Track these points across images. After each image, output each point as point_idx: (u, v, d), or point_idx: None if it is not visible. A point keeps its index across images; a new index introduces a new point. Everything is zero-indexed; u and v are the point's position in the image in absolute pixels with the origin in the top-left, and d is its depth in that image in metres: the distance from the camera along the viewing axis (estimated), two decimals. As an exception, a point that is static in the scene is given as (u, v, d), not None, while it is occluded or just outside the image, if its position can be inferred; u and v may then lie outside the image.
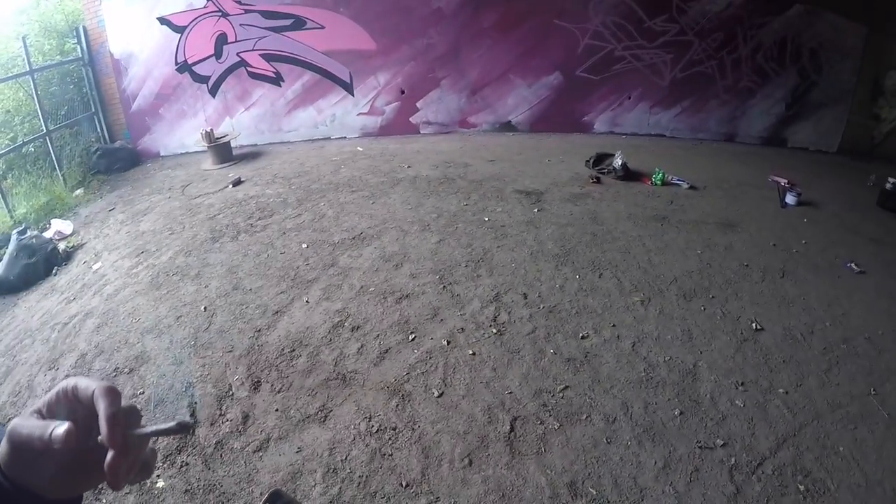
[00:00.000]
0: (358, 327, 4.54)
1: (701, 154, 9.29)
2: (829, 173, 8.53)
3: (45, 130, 8.81)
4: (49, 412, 0.75)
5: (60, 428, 0.69)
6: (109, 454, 0.72)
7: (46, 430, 0.70)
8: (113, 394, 0.74)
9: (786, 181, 7.47)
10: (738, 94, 10.19)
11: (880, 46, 9.73)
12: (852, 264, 5.50)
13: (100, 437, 0.71)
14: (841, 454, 3.29)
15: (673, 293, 4.92)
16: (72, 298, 5.49)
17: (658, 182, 7.58)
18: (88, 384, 0.74)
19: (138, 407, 0.80)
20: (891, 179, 7.35)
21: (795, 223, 6.48)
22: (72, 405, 0.75)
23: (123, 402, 0.75)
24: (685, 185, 7.55)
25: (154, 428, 0.75)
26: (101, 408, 0.72)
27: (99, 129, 10.29)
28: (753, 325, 4.48)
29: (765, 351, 4.19)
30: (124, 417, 0.74)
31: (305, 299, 4.97)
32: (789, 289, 5.06)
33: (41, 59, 9.60)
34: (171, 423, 0.74)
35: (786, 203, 7.06)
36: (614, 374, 3.93)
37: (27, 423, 0.72)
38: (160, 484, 3.22)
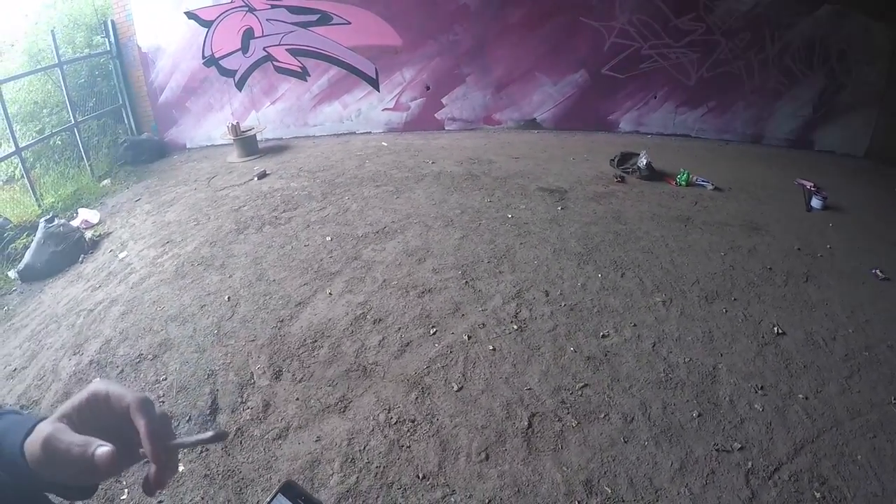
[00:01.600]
0: (380, 320, 4.57)
1: (726, 155, 9.23)
2: (857, 178, 8.43)
3: (73, 122, 8.96)
4: (79, 418, 0.76)
5: (104, 449, 0.71)
6: (153, 468, 0.75)
7: (88, 449, 0.71)
8: (149, 407, 0.76)
9: (812, 185, 7.41)
10: (764, 96, 10.09)
11: (912, 48, 9.60)
12: (877, 271, 5.45)
13: (141, 451, 0.75)
14: (859, 462, 3.27)
15: (695, 294, 4.91)
16: (97, 286, 5.58)
17: (682, 182, 7.55)
18: (122, 394, 0.76)
19: (168, 413, 0.87)
20: (919, 186, 7.29)
21: (821, 227, 6.42)
22: (102, 412, 0.76)
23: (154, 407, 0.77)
24: (710, 187, 7.50)
25: (192, 439, 0.79)
26: (142, 425, 0.74)
27: (126, 121, 10.46)
28: (775, 329, 4.46)
29: (786, 356, 4.17)
30: (161, 429, 0.76)
31: (328, 291, 5.01)
32: (812, 294, 5.03)
33: (70, 52, 9.75)
34: (209, 434, 0.78)
35: (811, 207, 7.00)
36: (634, 373, 3.94)
37: (65, 438, 0.73)
38: (180, 468, 3.27)
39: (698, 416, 3.58)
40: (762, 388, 3.84)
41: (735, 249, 5.76)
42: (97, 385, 0.76)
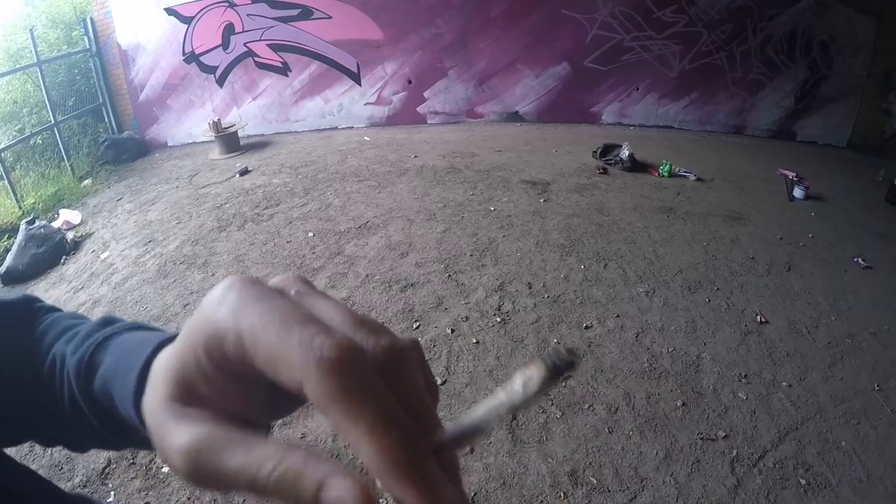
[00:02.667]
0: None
1: (709, 146, 9.26)
2: (838, 168, 8.48)
3: (52, 121, 8.82)
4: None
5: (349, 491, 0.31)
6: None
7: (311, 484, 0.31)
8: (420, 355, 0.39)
9: (794, 175, 7.43)
10: (747, 87, 10.13)
11: (892, 40, 9.65)
12: (859, 259, 5.48)
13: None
14: (843, 449, 3.29)
15: (678, 284, 4.91)
16: (80, 287, 5.52)
17: (665, 174, 7.56)
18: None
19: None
20: (901, 175, 7.33)
21: (803, 217, 6.45)
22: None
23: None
24: (692, 177, 7.52)
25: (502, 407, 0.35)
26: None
27: (107, 120, 10.33)
28: (758, 317, 4.47)
29: (769, 344, 4.18)
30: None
31: (310, 286, 4.97)
32: (795, 282, 5.05)
33: (48, 50, 9.62)
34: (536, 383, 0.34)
35: (793, 197, 7.03)
36: (617, 364, 3.93)
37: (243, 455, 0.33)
38: (166, 469, 3.23)
39: (682, 405, 3.58)
40: (746, 376, 3.84)
41: (717, 239, 5.77)
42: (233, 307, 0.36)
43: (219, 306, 0.36)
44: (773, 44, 9.92)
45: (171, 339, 0.51)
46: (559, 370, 0.34)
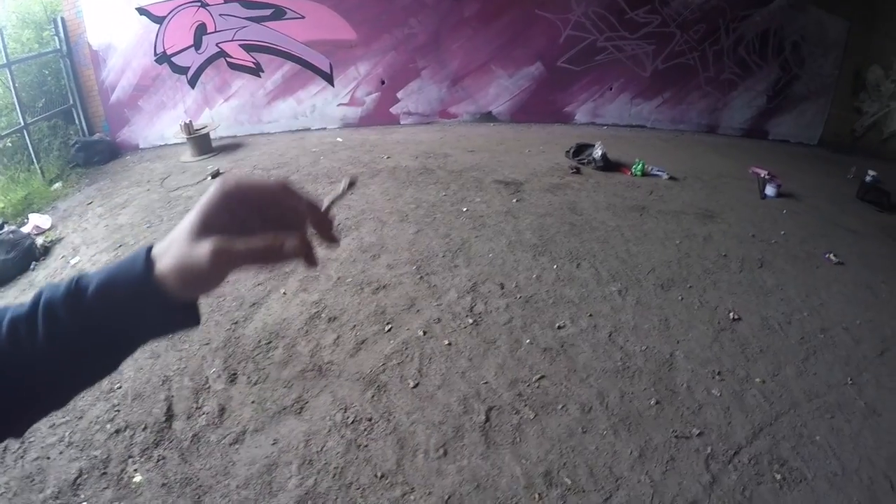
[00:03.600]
0: (334, 318, 4.49)
1: (682, 145, 9.30)
2: (810, 166, 8.57)
3: (22, 123, 8.62)
4: (216, 220, 0.67)
5: (293, 240, 0.68)
6: (324, 232, 0.78)
7: (275, 243, 0.67)
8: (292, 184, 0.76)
9: (766, 173, 7.47)
10: (719, 86, 10.22)
11: (862, 40, 9.78)
12: (831, 255, 5.52)
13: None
14: (817, 443, 3.29)
15: (651, 283, 4.90)
16: None
17: (638, 173, 7.57)
18: (260, 184, 0.73)
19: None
20: (870, 172, 7.41)
21: (775, 214, 6.49)
22: (235, 208, 0.69)
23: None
24: (665, 176, 7.54)
25: (334, 195, 0.81)
26: (301, 199, 0.75)
27: (77, 122, 10.10)
28: (731, 314, 4.48)
29: (742, 341, 4.19)
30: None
31: (283, 291, 4.91)
32: (767, 279, 5.07)
33: (20, 50, 9.45)
34: (343, 185, 0.83)
35: (766, 195, 7.07)
36: (590, 363, 3.91)
37: (239, 245, 0.65)
38: (137, 479, 3.17)
39: (656, 403, 3.56)
40: (719, 373, 3.84)
41: (690, 237, 5.78)
42: (224, 184, 0.68)
43: (248, 177, 0.73)
44: (745, 44, 10.02)
45: (149, 247, 0.69)
46: (353, 184, 0.84)
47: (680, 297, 4.69)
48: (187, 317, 0.72)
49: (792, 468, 3.11)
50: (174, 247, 0.65)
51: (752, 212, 6.54)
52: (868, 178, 7.34)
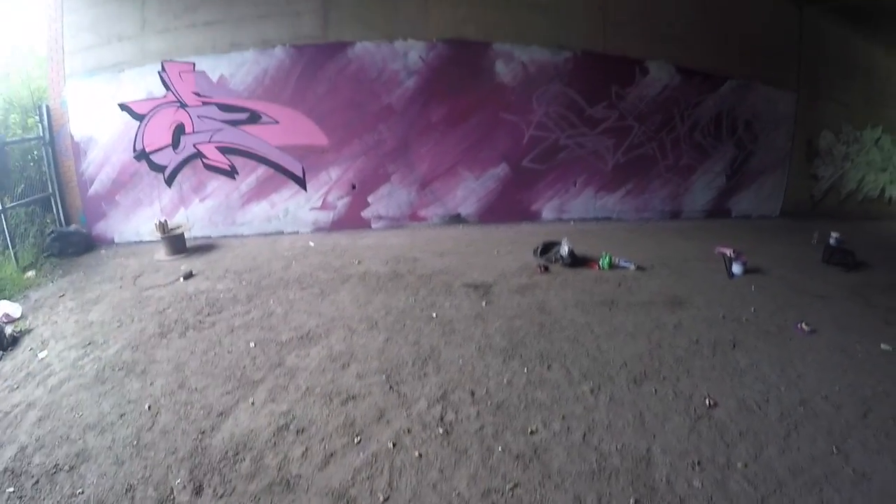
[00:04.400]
0: (303, 430, 4.34)
1: (646, 234, 9.40)
2: (774, 237, 8.68)
3: (1, 208, 8.63)
4: None
5: None
6: None
7: None
8: None
9: (731, 251, 7.52)
10: (679, 172, 10.47)
11: (810, 110, 10.14)
12: (802, 325, 5.51)
13: None
14: (808, 522, 3.15)
15: (623, 378, 4.80)
16: (15, 387, 5.21)
17: (605, 266, 7.60)
18: None
19: None
20: (833, 234, 7.54)
21: (744, 292, 6.50)
22: None
23: None
24: (632, 267, 7.57)
25: None
26: None
27: (55, 211, 10.13)
28: (707, 401, 4.37)
29: (720, 426, 4.07)
30: None
31: (251, 400, 4.75)
32: (741, 359, 5.00)
33: (5, 133, 9.56)
34: None
35: (733, 273, 7.10)
36: (565, 467, 3.76)
37: None
38: None
39: (635, 502, 3.41)
40: (699, 463, 3.70)
41: (661, 327, 5.73)
42: None
43: None
44: (700, 128, 10.36)
45: None
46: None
47: (653, 390, 4.59)
48: None
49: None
50: None
51: (721, 293, 6.54)
52: (832, 241, 7.46)
